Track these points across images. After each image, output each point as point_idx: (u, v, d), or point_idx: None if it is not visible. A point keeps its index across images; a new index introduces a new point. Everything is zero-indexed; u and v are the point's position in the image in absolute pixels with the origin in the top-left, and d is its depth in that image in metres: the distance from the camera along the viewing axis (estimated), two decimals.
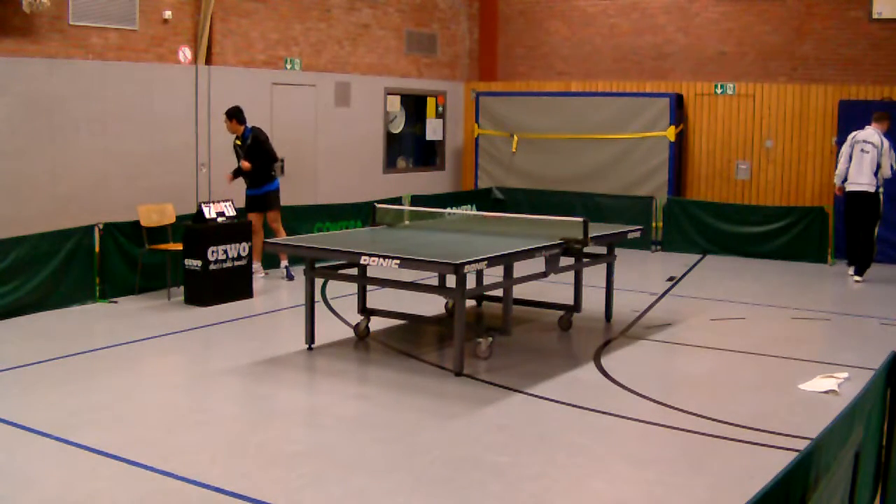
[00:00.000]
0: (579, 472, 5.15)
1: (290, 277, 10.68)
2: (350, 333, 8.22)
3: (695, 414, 6.05)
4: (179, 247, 9.60)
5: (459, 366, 6.89)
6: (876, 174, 10.91)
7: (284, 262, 10.88)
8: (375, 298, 8.96)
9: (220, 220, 9.57)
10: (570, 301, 8.58)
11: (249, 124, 10.66)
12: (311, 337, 7.65)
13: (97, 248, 9.45)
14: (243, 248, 9.70)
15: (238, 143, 10.66)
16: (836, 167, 11.43)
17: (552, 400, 6.37)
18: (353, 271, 7.78)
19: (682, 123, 14.60)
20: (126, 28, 11.19)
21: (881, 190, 11.03)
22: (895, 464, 3.93)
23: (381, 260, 6.82)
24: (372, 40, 14.71)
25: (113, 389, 6.56)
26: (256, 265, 10.56)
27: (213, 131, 12.03)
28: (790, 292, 10.54)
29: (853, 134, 11.18)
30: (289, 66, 13.27)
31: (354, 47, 14.41)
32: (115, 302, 9.45)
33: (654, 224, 13.66)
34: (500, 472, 5.06)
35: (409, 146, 16.30)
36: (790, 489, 2.60)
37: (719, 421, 5.92)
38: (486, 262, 6.84)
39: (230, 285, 9.53)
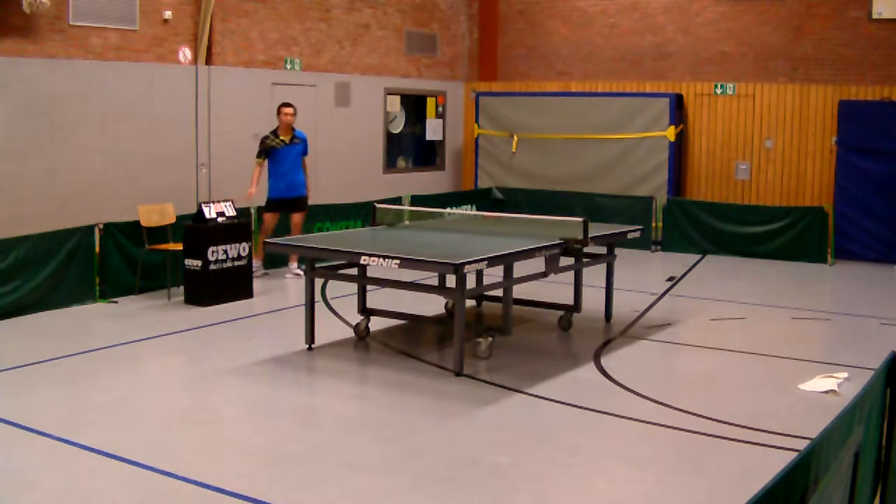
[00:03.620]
0: (579, 472, 5.15)
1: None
2: (350, 333, 8.22)
3: (695, 414, 6.05)
4: (179, 247, 9.60)
5: (459, 366, 6.90)
6: None
7: (295, 263, 10.88)
8: (375, 298, 8.96)
9: (220, 220, 9.57)
10: (570, 301, 8.58)
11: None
12: (311, 337, 7.65)
13: (97, 248, 9.45)
14: (243, 248, 9.70)
15: (285, 140, 10.63)
16: None
17: (552, 400, 6.37)
18: (353, 271, 7.78)
19: (682, 123, 14.59)
20: (126, 28, 11.19)
21: None
22: (895, 464, 3.93)
23: (381, 260, 6.82)
24: (372, 40, 14.71)
25: (113, 389, 6.56)
26: (257, 264, 10.56)
27: (213, 131, 12.03)
28: (790, 292, 10.54)
29: None
30: (289, 67, 13.27)
31: (354, 47, 14.40)
32: (115, 302, 9.45)
33: (653, 224, 13.65)
34: (500, 472, 5.06)
35: (409, 146, 16.30)
36: (790, 489, 2.60)
37: (719, 421, 5.92)
38: (486, 262, 6.85)
39: (230, 285, 9.53)
